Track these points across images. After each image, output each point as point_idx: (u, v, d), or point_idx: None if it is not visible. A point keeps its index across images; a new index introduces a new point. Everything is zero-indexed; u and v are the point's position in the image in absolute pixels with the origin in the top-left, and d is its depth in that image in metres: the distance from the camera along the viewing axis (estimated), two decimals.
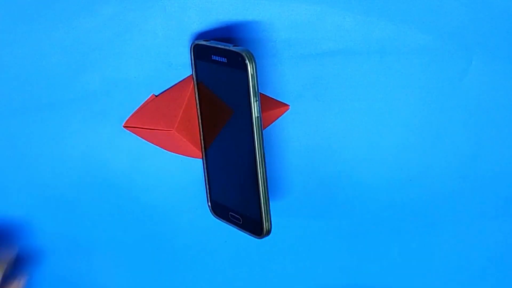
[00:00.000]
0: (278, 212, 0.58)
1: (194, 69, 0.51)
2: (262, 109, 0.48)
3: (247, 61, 0.46)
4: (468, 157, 0.56)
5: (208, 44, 0.49)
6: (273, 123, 0.55)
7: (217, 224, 0.57)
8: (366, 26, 0.53)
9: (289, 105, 0.55)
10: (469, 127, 0.56)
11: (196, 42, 0.50)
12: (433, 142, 0.56)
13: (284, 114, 0.55)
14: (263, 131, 0.49)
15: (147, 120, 0.54)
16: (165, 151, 0.56)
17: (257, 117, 0.48)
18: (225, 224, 0.54)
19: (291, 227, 0.58)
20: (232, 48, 0.47)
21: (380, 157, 0.56)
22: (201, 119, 0.53)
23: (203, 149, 0.54)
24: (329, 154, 0.54)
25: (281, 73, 0.54)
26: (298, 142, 0.56)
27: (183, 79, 0.54)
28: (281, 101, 0.55)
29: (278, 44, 0.54)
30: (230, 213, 0.53)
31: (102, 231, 0.58)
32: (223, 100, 0.50)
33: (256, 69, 0.46)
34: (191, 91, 0.53)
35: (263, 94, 0.54)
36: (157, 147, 0.56)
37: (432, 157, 0.56)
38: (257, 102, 0.47)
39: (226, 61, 0.48)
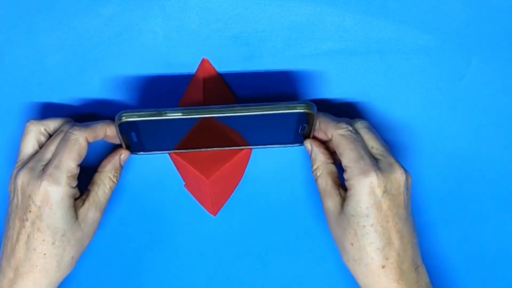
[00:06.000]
0: (278, 212, 0.58)
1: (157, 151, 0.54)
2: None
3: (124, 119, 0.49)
4: (468, 157, 0.56)
5: (119, 132, 0.51)
6: None
7: (217, 224, 0.57)
8: (366, 26, 0.53)
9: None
10: (469, 127, 0.56)
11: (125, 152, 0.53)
12: (433, 142, 0.56)
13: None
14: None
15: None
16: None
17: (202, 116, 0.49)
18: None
19: (291, 226, 0.58)
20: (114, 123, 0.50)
21: None
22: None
23: None
24: None
25: (281, 73, 0.54)
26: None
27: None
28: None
29: (278, 44, 0.54)
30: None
31: (103, 229, 0.58)
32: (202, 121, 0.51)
33: (141, 116, 0.49)
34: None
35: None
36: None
37: (432, 157, 0.56)
38: (182, 114, 0.49)
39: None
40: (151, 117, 0.49)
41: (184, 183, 0.57)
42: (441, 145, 0.56)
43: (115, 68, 0.54)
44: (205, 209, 0.57)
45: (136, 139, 0.52)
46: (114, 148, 0.54)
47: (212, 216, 0.57)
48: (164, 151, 0.54)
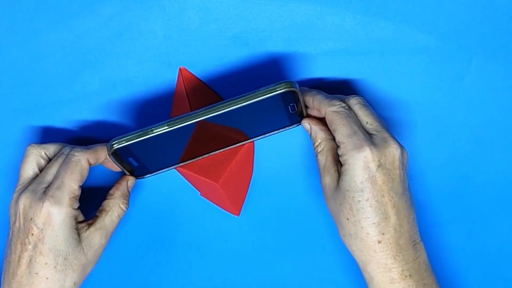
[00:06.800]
0: (276, 212, 0.58)
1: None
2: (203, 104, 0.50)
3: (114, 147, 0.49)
4: (468, 157, 0.56)
5: (116, 161, 0.51)
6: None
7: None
8: (366, 26, 0.53)
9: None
10: (469, 127, 0.56)
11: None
12: (433, 142, 0.56)
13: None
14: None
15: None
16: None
17: (195, 122, 0.49)
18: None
19: (290, 225, 0.58)
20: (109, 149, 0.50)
21: None
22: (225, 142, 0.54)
23: None
24: None
25: (281, 73, 0.54)
26: (300, 142, 0.56)
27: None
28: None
29: (278, 44, 0.54)
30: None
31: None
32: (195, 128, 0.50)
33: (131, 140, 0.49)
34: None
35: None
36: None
37: (432, 157, 0.56)
38: (168, 126, 0.49)
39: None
40: (139, 137, 0.49)
41: (200, 193, 0.57)
42: (441, 145, 0.56)
43: (115, 68, 0.54)
44: (227, 212, 0.57)
45: (137, 163, 0.52)
46: (122, 174, 0.55)
47: (236, 216, 0.57)
48: (169, 168, 0.54)
